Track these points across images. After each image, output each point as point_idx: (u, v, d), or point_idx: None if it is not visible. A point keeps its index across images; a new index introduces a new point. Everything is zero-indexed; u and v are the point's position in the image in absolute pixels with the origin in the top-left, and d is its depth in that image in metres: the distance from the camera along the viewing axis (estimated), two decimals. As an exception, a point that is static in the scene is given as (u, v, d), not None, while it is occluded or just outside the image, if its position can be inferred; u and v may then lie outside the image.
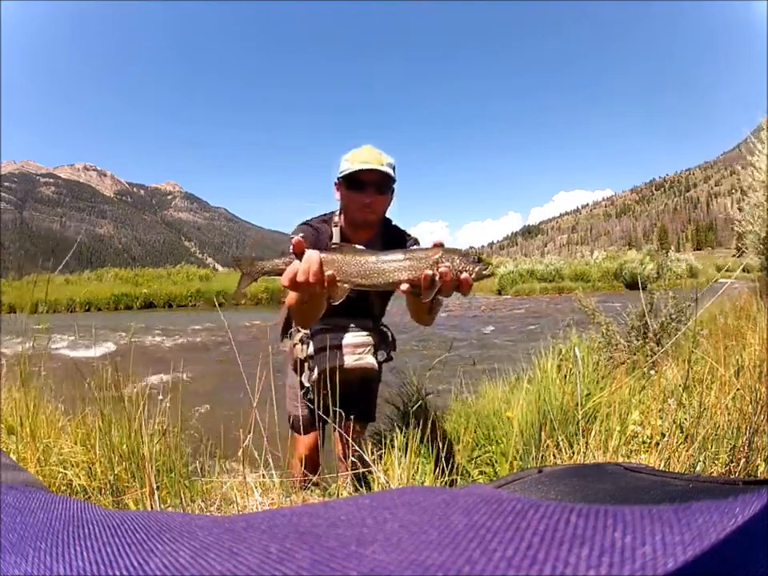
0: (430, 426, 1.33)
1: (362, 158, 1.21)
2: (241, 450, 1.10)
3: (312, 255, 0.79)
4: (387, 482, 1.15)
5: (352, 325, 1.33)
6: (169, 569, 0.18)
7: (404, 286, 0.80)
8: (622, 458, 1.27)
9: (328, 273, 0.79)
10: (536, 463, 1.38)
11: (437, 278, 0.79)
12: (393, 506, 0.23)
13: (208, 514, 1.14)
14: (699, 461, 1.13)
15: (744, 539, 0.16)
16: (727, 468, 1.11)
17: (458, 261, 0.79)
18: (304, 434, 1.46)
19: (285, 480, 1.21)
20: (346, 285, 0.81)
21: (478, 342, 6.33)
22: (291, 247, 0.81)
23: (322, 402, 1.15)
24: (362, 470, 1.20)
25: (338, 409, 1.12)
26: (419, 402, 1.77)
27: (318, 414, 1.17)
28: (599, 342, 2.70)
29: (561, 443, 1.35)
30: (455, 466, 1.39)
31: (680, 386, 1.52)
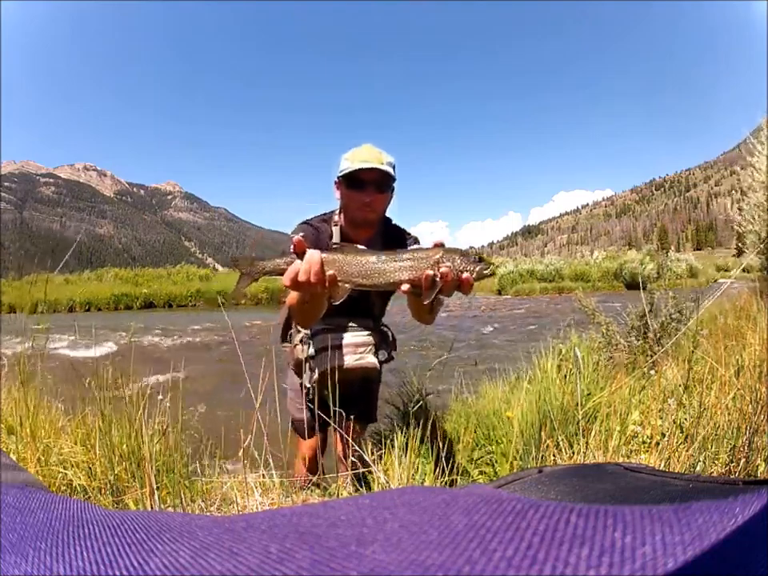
0: (430, 426, 1.33)
1: (362, 156, 1.21)
2: (241, 450, 1.10)
3: (313, 255, 0.79)
4: (387, 482, 1.15)
5: (353, 324, 1.33)
6: (169, 569, 0.18)
7: (405, 286, 0.80)
8: (621, 458, 1.27)
9: (329, 273, 0.79)
10: (536, 463, 1.38)
11: (438, 278, 0.78)
12: (393, 505, 0.23)
13: (208, 513, 1.14)
14: (699, 461, 1.13)
15: (744, 539, 0.16)
16: (727, 468, 1.11)
17: (458, 260, 0.79)
18: (308, 438, 1.46)
19: (285, 480, 1.21)
20: (347, 285, 0.81)
21: (477, 342, 6.33)
22: (292, 247, 0.81)
23: (323, 402, 1.15)
24: (362, 470, 1.20)
25: (337, 409, 1.12)
26: (419, 403, 1.77)
27: (320, 415, 1.17)
28: (599, 342, 2.70)
29: (561, 443, 1.35)
30: (455, 466, 1.39)
31: (680, 386, 1.52)
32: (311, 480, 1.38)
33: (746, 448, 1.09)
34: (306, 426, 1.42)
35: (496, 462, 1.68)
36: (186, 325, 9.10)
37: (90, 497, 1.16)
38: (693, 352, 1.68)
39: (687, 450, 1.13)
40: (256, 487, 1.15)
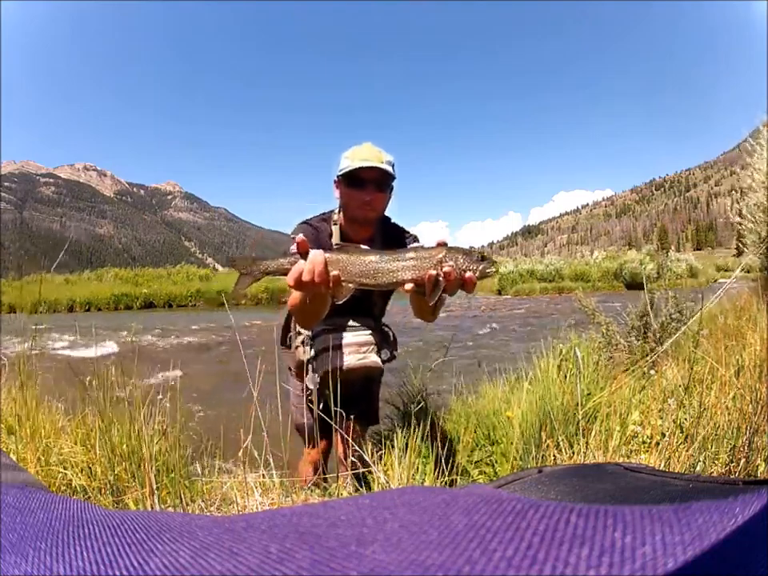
0: (430, 426, 1.33)
1: (362, 155, 1.21)
2: (241, 450, 1.10)
3: (317, 255, 0.79)
4: (387, 482, 1.15)
5: (354, 324, 1.33)
6: (169, 569, 0.18)
7: (408, 286, 0.80)
8: (621, 458, 1.27)
9: (333, 273, 0.79)
10: (536, 463, 1.38)
11: (441, 277, 0.79)
12: (393, 505, 0.23)
13: (208, 513, 1.14)
14: (699, 461, 1.13)
15: (744, 539, 0.16)
16: (727, 468, 1.11)
17: (461, 260, 0.79)
18: (315, 445, 1.45)
19: (285, 480, 1.21)
20: (350, 285, 0.81)
21: (477, 342, 6.33)
22: (295, 247, 0.81)
23: (326, 404, 1.15)
24: (362, 470, 1.20)
25: (338, 409, 1.12)
26: (420, 403, 1.77)
27: (326, 419, 1.16)
28: (599, 342, 2.70)
29: (561, 443, 1.35)
30: (455, 466, 1.39)
31: (680, 386, 1.52)
32: (312, 480, 1.38)
33: (746, 448, 1.09)
34: (311, 431, 1.41)
35: (496, 462, 1.68)
36: (186, 325, 9.11)
37: (89, 497, 1.16)
38: (693, 352, 1.68)
39: (687, 450, 1.13)
40: (256, 487, 1.15)
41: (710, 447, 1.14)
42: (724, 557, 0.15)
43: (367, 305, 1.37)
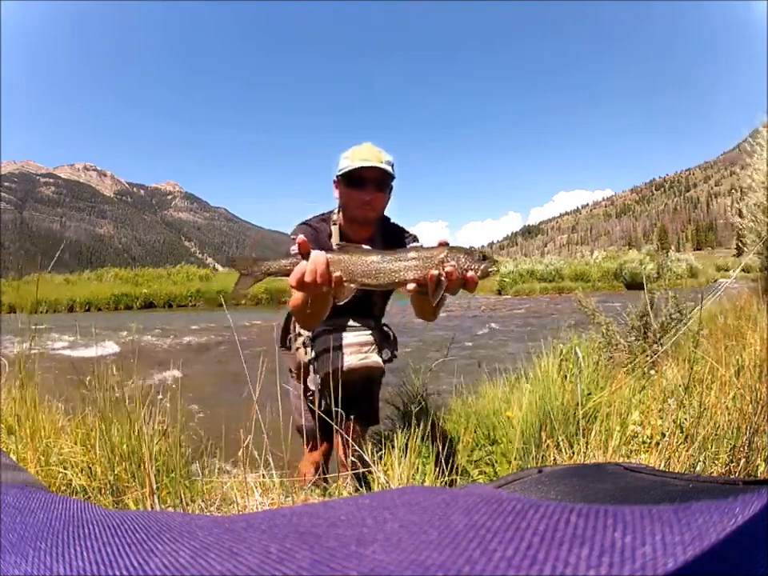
0: (430, 426, 1.33)
1: (362, 155, 1.21)
2: (241, 450, 1.10)
3: (319, 256, 0.79)
4: (387, 482, 1.15)
5: (354, 324, 1.33)
6: (169, 569, 0.18)
7: (410, 286, 0.81)
8: (621, 458, 1.27)
9: (336, 274, 0.79)
10: (536, 463, 1.38)
11: (443, 277, 0.79)
12: (393, 505, 0.23)
13: (208, 513, 1.14)
14: (699, 461, 1.13)
15: (744, 539, 0.16)
16: (727, 468, 1.11)
17: (463, 259, 0.80)
18: (317, 447, 1.45)
19: (285, 480, 1.21)
20: (352, 285, 0.81)
21: (477, 342, 6.33)
22: (297, 247, 0.81)
23: (328, 405, 1.14)
24: (362, 470, 1.20)
25: (339, 409, 1.12)
26: (420, 403, 1.77)
27: (327, 421, 1.16)
28: (599, 342, 2.70)
29: (561, 443, 1.35)
30: (455, 466, 1.39)
31: (680, 386, 1.52)
32: (312, 480, 1.38)
33: (745, 448, 1.09)
34: (312, 432, 1.41)
35: (496, 461, 1.68)
36: (186, 325, 9.11)
37: (89, 497, 1.16)
38: (693, 352, 1.68)
39: (687, 450, 1.13)
40: (256, 487, 1.15)
41: (710, 447, 1.14)
42: (724, 557, 0.15)
43: (367, 305, 1.37)
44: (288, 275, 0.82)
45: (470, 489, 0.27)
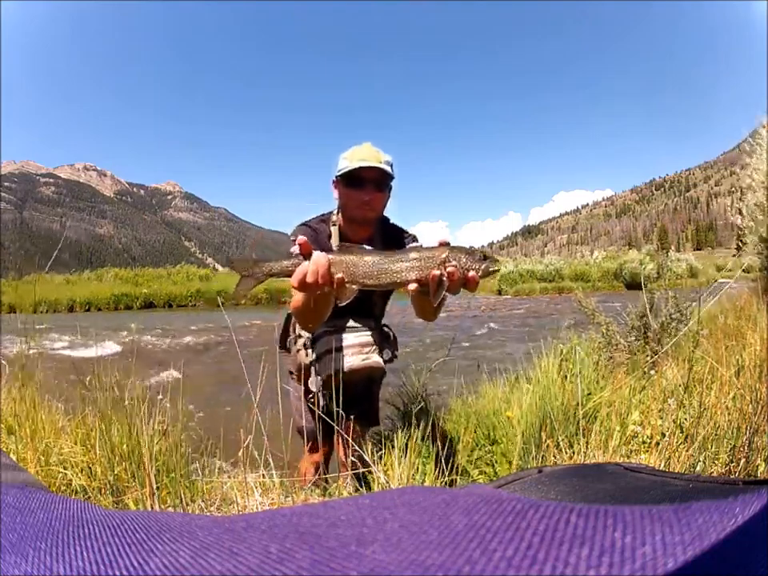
0: (430, 426, 1.33)
1: (361, 155, 1.21)
2: (241, 450, 1.10)
3: (320, 257, 0.79)
4: (387, 482, 1.15)
5: (355, 325, 1.33)
6: (169, 569, 0.18)
7: (412, 286, 0.81)
8: (621, 458, 1.27)
9: (338, 275, 0.79)
10: (536, 463, 1.38)
11: (444, 277, 0.79)
12: (393, 505, 0.23)
13: (208, 513, 1.14)
14: (699, 461, 1.13)
15: (744, 539, 0.16)
16: (727, 468, 1.11)
17: (464, 259, 0.80)
18: (318, 448, 1.44)
19: (285, 480, 1.21)
20: (354, 286, 0.82)
21: (477, 342, 6.33)
22: (298, 248, 0.81)
23: (329, 407, 1.14)
24: (362, 470, 1.20)
25: (339, 409, 1.12)
26: (420, 403, 1.77)
27: (329, 422, 1.16)
28: (599, 342, 2.70)
29: (561, 443, 1.35)
30: (455, 466, 1.39)
31: (680, 386, 1.52)
32: (312, 480, 1.38)
33: (745, 448, 1.09)
34: (312, 434, 1.40)
35: (496, 462, 1.68)
36: (186, 325, 9.10)
37: (89, 497, 1.16)
38: (693, 352, 1.68)
39: (687, 450, 1.13)
40: (256, 487, 1.15)
41: (710, 447, 1.14)
42: (724, 557, 0.15)
43: (368, 305, 1.37)
44: (290, 276, 0.82)
45: (470, 489, 0.27)
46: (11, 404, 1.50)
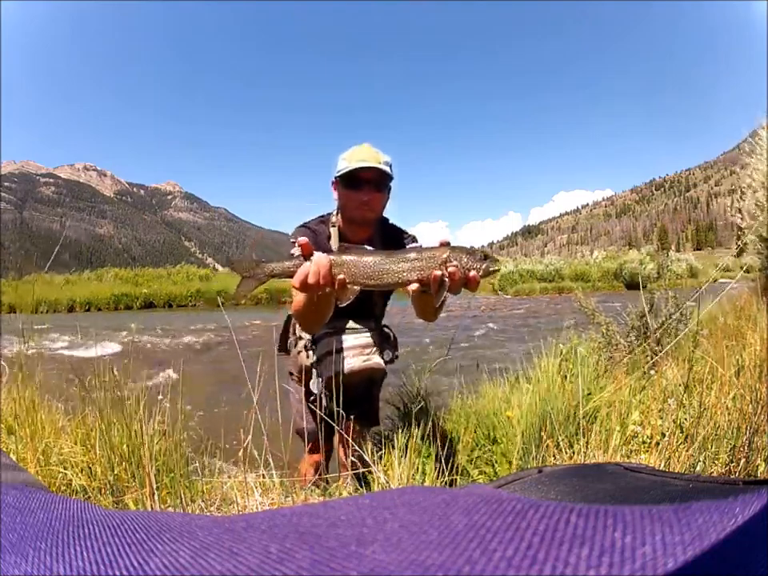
0: (430, 426, 1.33)
1: (360, 156, 1.21)
2: (241, 450, 1.10)
3: (322, 258, 0.80)
4: (387, 482, 1.15)
5: (355, 326, 1.33)
6: (169, 569, 0.18)
7: (414, 286, 0.81)
8: (621, 458, 1.27)
9: (339, 277, 0.80)
10: (536, 463, 1.38)
11: (446, 277, 0.79)
12: (393, 505, 0.23)
13: (208, 513, 1.14)
14: (699, 461, 1.13)
15: (744, 539, 0.16)
16: (727, 468, 1.11)
17: (465, 259, 0.80)
18: (318, 449, 1.45)
19: (285, 480, 1.21)
20: (355, 287, 0.82)
21: (477, 342, 6.33)
22: (298, 250, 0.82)
23: (329, 407, 1.14)
24: (362, 470, 1.20)
25: (340, 410, 1.12)
26: (420, 403, 1.77)
27: (329, 422, 1.16)
28: (599, 342, 2.70)
29: (561, 443, 1.35)
30: (455, 466, 1.39)
31: (680, 385, 1.52)
32: (312, 480, 1.38)
33: (745, 448, 1.09)
34: (313, 435, 1.40)
35: (496, 462, 1.68)
36: (186, 325, 9.10)
37: (89, 497, 1.16)
38: (693, 352, 1.68)
39: (687, 450, 1.13)
40: (256, 487, 1.15)
41: (710, 447, 1.14)
42: (724, 557, 0.15)
43: (368, 305, 1.37)
44: (291, 277, 0.82)
45: (470, 489, 0.27)
46: (11, 404, 1.49)
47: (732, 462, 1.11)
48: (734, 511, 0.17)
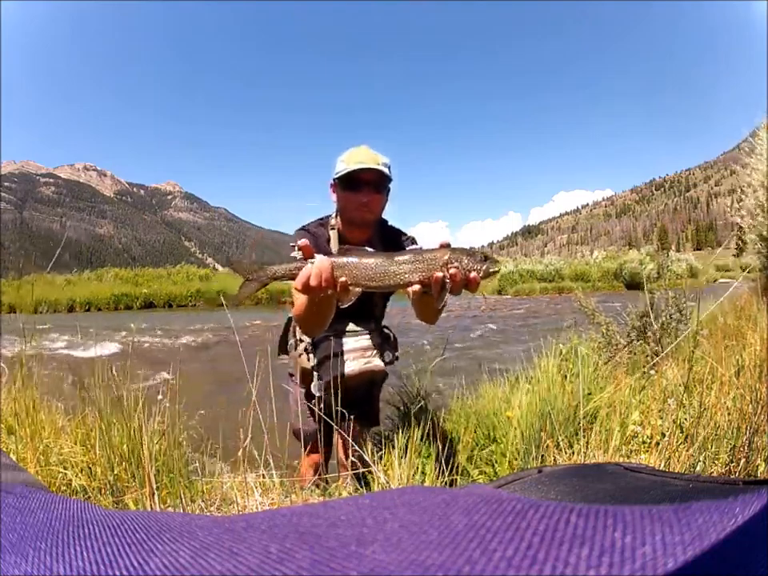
0: (430, 426, 1.33)
1: (359, 158, 1.21)
2: (241, 450, 1.10)
3: (323, 260, 0.80)
4: (387, 482, 1.15)
5: (356, 329, 1.33)
6: (169, 569, 0.18)
7: (415, 288, 0.81)
8: (621, 458, 1.27)
9: (341, 279, 0.80)
10: (536, 463, 1.38)
11: (447, 279, 0.79)
12: (393, 506, 0.23)
13: (208, 513, 1.14)
14: (699, 461, 1.13)
15: (744, 539, 0.16)
16: (727, 468, 1.11)
17: (466, 261, 0.80)
18: (317, 450, 1.44)
19: (285, 480, 1.21)
20: (357, 288, 0.82)
21: (477, 342, 6.33)
22: (299, 253, 0.82)
23: (330, 409, 1.14)
24: (362, 470, 1.20)
25: (339, 409, 1.12)
26: (420, 403, 1.77)
27: (329, 423, 1.16)
28: (599, 342, 2.70)
29: (561, 443, 1.35)
30: (455, 466, 1.39)
31: (680, 385, 1.52)
32: (312, 481, 1.38)
33: (745, 448, 1.09)
34: (313, 436, 1.40)
35: (496, 462, 1.68)
36: (186, 325, 9.11)
37: (89, 497, 1.16)
38: (693, 352, 1.68)
39: (687, 450, 1.13)
40: (256, 487, 1.15)
41: (710, 447, 1.14)
42: (724, 557, 0.15)
43: (369, 306, 1.37)
44: (293, 279, 0.83)
45: (470, 489, 0.27)
46: (11, 404, 1.50)
47: (732, 462, 1.11)
48: (734, 511, 0.17)
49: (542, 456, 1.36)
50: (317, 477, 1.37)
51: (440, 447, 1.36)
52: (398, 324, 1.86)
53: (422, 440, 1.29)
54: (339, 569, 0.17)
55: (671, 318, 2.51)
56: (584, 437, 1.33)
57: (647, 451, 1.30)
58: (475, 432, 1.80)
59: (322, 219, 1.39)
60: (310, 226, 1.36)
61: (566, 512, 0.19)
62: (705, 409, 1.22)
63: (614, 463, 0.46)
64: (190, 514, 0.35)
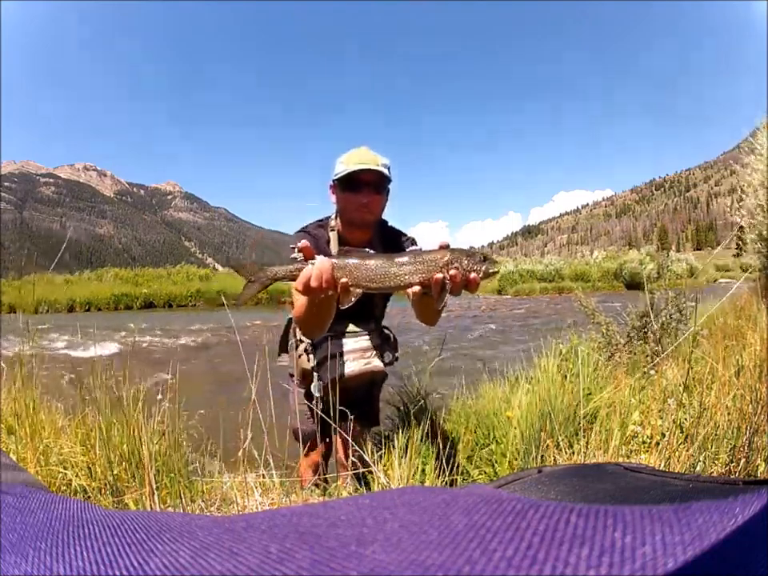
0: (430, 426, 1.33)
1: (358, 159, 1.21)
2: (241, 450, 1.10)
3: (324, 262, 0.80)
4: (387, 482, 1.15)
5: (356, 329, 1.33)
6: (169, 569, 0.18)
7: (415, 289, 0.81)
8: (621, 458, 1.27)
9: (342, 280, 0.80)
10: (536, 463, 1.38)
11: (447, 280, 0.79)
12: (393, 505, 0.23)
13: (208, 513, 1.14)
14: (699, 461, 1.13)
15: (744, 539, 0.16)
16: (727, 468, 1.11)
17: (466, 262, 0.81)
18: (314, 449, 1.44)
19: (285, 480, 1.21)
20: (358, 289, 0.82)
21: (477, 342, 6.33)
22: (299, 254, 0.82)
23: (331, 410, 1.15)
24: (362, 470, 1.20)
25: (341, 409, 1.12)
26: (420, 403, 1.77)
27: (329, 422, 1.16)
28: (599, 342, 2.70)
29: (561, 443, 1.35)
30: (455, 466, 1.39)
31: (680, 386, 1.52)
32: (312, 481, 1.38)
33: (745, 448, 1.09)
34: (313, 436, 1.40)
35: (496, 462, 1.68)
36: (186, 325, 9.11)
37: (89, 497, 1.16)
38: (693, 352, 1.68)
39: (687, 450, 1.13)
40: (256, 487, 1.15)
41: (710, 447, 1.14)
42: (724, 557, 0.15)
43: (369, 307, 1.37)
44: (294, 280, 0.83)
45: (470, 489, 0.27)
46: (11, 404, 1.50)
47: (732, 462, 1.11)
48: (734, 511, 0.17)
49: (542, 456, 1.36)
50: (316, 477, 1.37)
51: (440, 447, 1.36)
52: (398, 324, 1.86)
53: (421, 440, 1.29)
54: (339, 569, 0.17)
55: (671, 318, 2.51)
56: (584, 437, 1.33)
57: (647, 451, 1.30)
58: (475, 432, 1.80)
59: (321, 220, 1.39)
60: (310, 227, 1.36)
61: (566, 512, 0.19)
62: (705, 409, 1.22)
63: (614, 463, 0.46)
64: (190, 514, 0.35)
